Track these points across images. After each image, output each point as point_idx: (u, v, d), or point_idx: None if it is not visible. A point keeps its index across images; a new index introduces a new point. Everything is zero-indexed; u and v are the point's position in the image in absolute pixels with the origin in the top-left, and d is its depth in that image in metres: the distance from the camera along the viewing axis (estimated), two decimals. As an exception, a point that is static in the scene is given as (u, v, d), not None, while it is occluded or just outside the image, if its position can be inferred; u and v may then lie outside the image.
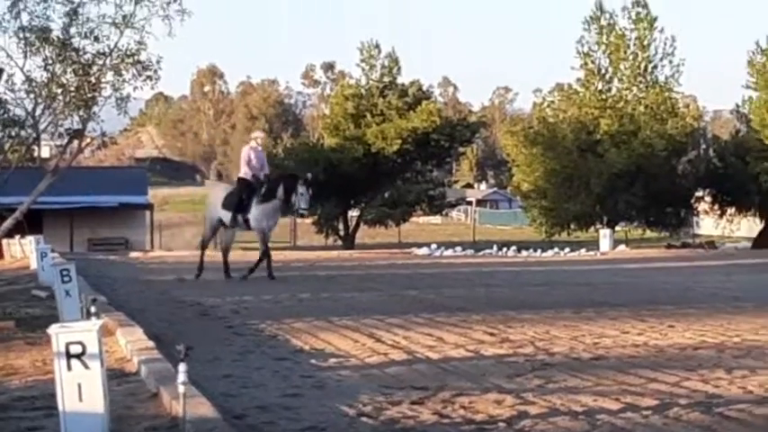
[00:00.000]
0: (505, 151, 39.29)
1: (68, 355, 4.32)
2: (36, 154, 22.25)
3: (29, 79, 18.70)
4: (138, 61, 18.64)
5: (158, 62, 18.78)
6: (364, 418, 4.98)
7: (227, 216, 14.36)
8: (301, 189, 14.10)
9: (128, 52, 18.59)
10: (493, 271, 17.48)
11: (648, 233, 36.50)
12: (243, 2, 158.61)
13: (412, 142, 34.48)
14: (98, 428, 4.38)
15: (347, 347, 7.37)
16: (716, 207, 33.23)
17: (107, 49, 18.65)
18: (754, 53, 30.08)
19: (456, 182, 78.63)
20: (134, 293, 12.35)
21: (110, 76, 18.91)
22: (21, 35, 18.33)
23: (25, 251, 18.53)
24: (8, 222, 19.23)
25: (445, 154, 38.37)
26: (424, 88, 38.02)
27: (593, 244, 28.00)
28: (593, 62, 33.24)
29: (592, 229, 32.67)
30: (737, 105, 33.33)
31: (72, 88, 18.70)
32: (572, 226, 33.06)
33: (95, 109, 19.23)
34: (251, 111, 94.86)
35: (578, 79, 33.86)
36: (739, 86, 31.59)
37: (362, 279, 15.08)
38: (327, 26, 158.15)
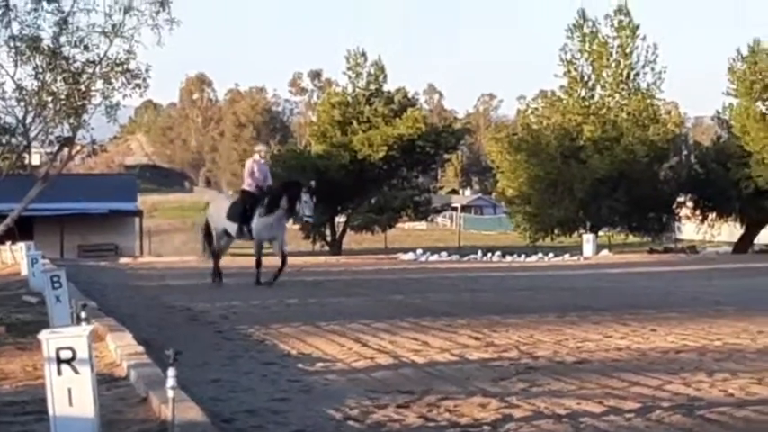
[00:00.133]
0: (490, 158, 39.51)
1: (59, 360, 4.36)
2: (27, 161, 22.37)
3: (19, 88, 18.77)
4: (128, 70, 18.77)
5: (147, 70, 18.93)
6: (351, 422, 5.04)
7: (232, 227, 14.64)
8: (305, 197, 14.26)
9: (117, 61, 18.73)
10: (478, 276, 17.60)
11: (631, 238, 36.75)
12: (231, 11, 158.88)
13: (398, 149, 34.61)
14: (88, 432, 4.43)
15: (334, 352, 7.42)
16: (697, 212, 33.50)
17: (97, 58, 18.77)
18: (734, 61, 30.40)
19: (441, 188, 78.88)
20: (124, 299, 12.36)
21: (99, 84, 19.02)
22: (11, 44, 18.40)
23: (16, 257, 18.63)
24: (-1, 229, 19.23)
25: (430, 160, 38.55)
26: (410, 96, 38.25)
27: (577, 249, 28.22)
28: (576, 69, 33.48)
29: (575, 234, 32.86)
30: (718, 112, 33.64)
31: (62, 96, 18.80)
32: (556, 231, 33.24)
33: (85, 117, 19.33)
34: (239, 118, 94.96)
35: (562, 86, 34.11)
36: (720, 93, 31.94)
37: (349, 284, 15.16)
38: (314, 35, 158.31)
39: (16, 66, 18.54)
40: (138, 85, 18.92)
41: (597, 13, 44.65)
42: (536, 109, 36.15)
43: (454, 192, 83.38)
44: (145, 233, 37.56)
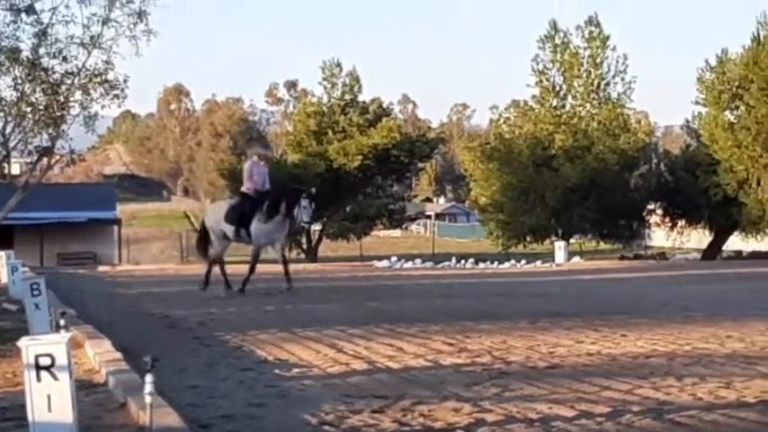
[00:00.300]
0: (463, 166, 39.70)
1: (38, 367, 4.40)
2: (6, 171, 22.31)
3: (-1, 98, 18.73)
4: (106, 80, 18.86)
5: (125, 81, 19.05)
6: (326, 427, 5.10)
7: (230, 230, 14.50)
8: (304, 203, 14.27)
9: (95, 72, 18.80)
10: (451, 282, 17.70)
11: (602, 245, 37.08)
12: (208, 22, 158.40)
13: (373, 158, 34.73)
14: (67, 438, 4.46)
15: (310, 358, 7.48)
16: (667, 219, 33.85)
17: (75, 69, 18.83)
18: (703, 70, 30.76)
19: (415, 196, 79.03)
20: (102, 306, 12.32)
21: (78, 95, 19.09)
22: (-9, 56, 18.35)
23: (-5, 266, 18.46)
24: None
25: (405, 169, 38.70)
26: (385, 105, 38.34)
27: (549, 256, 28.42)
28: (547, 80, 33.76)
29: (547, 241, 33.08)
30: (687, 121, 34.01)
31: (41, 107, 18.81)
32: (528, 238, 33.46)
33: (64, 127, 19.38)
34: (216, 128, 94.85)
35: (533, 96, 34.35)
36: (689, 103, 32.27)
37: (325, 291, 15.21)
38: (290, 45, 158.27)
39: (-5, 77, 18.50)
40: (116, 96, 19.03)
41: (568, 23, 45.14)
42: (508, 118, 36.42)
43: (428, 200, 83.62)
44: (123, 241, 37.70)
